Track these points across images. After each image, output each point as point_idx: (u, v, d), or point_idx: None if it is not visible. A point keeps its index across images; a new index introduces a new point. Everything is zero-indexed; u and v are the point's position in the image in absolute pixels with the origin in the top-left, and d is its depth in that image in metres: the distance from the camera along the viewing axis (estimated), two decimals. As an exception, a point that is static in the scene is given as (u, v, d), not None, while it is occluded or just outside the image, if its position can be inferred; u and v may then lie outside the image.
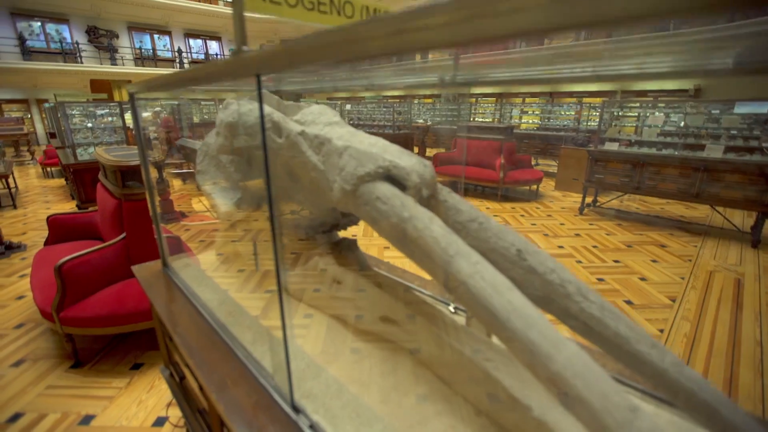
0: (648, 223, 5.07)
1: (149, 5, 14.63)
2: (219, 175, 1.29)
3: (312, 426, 0.74)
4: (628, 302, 3.00)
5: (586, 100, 10.11)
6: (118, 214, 2.49)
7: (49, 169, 8.74)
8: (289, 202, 1.13)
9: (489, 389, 0.74)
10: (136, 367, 2.29)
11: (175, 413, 1.94)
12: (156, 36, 16.11)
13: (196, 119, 12.06)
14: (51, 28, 13.75)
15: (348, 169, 0.80)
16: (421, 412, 0.78)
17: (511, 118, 10.84)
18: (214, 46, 17.83)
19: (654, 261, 3.82)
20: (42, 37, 13.54)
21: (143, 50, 15.69)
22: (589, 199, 5.63)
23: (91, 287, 2.31)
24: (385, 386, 0.85)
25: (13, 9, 12.85)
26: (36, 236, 4.56)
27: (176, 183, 6.26)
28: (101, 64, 14.41)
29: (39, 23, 13.46)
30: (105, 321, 2.21)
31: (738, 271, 3.57)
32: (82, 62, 13.98)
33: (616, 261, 3.82)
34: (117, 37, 15.02)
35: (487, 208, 5.85)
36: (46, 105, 12.02)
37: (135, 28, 15.48)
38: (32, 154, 11.35)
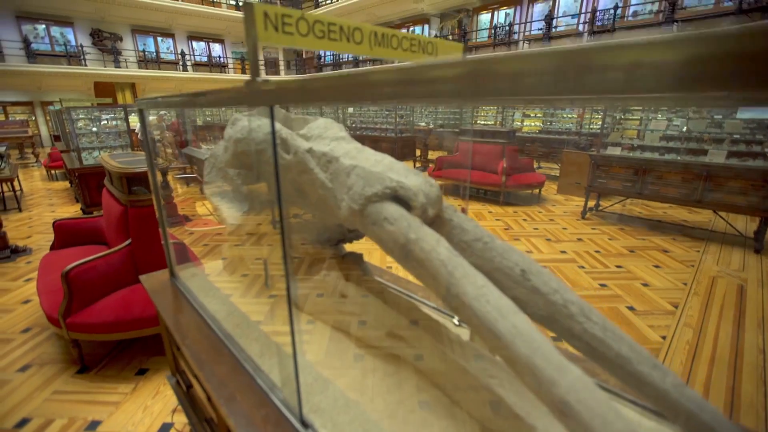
0: (650, 228, 5.07)
1: (153, 8, 14.73)
2: (227, 188, 1.31)
3: (320, 441, 0.75)
4: (631, 308, 3.01)
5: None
6: (123, 220, 2.52)
7: (53, 171, 8.80)
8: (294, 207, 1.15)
9: (494, 406, 0.76)
10: (142, 372, 2.31)
11: (180, 419, 1.95)
12: (159, 39, 16.21)
13: (199, 121, 12.13)
14: (56, 31, 13.86)
15: (356, 188, 0.81)
16: (427, 427, 0.80)
17: (513, 121, 10.86)
18: (217, 49, 17.92)
19: (656, 266, 3.83)
20: (47, 40, 13.65)
21: (147, 53, 15.79)
22: (591, 203, 5.63)
23: (97, 293, 2.34)
24: (391, 401, 0.86)
25: (18, 12, 12.97)
26: (41, 240, 4.59)
27: (179, 187, 6.29)
28: (105, 66, 14.51)
29: (44, 26, 13.57)
30: (111, 327, 2.23)
31: (741, 277, 3.57)
32: (86, 65, 14.08)
33: (618, 266, 3.83)
34: (121, 39, 15.12)
35: (490, 212, 5.86)
36: (50, 108, 12.12)
37: (139, 30, 15.59)
38: (36, 156, 11.43)
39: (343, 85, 0.42)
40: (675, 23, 7.78)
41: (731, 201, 4.38)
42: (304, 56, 20.08)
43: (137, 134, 7.68)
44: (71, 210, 6.01)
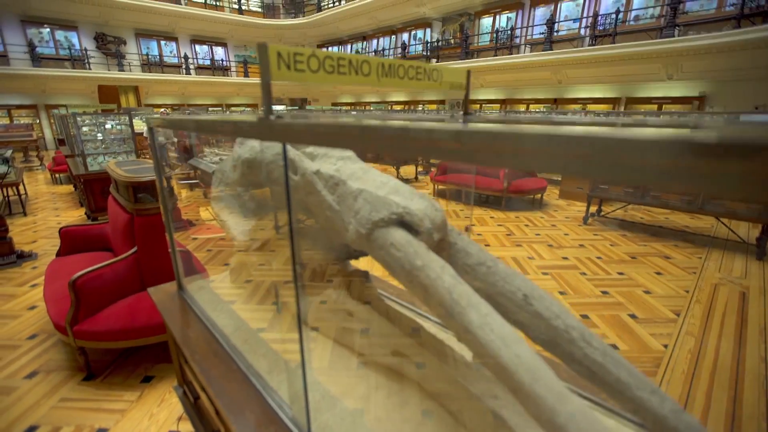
0: (652, 234, 5.08)
1: (156, 12, 14.83)
2: (234, 203, 1.34)
3: (328, 459, 0.78)
4: (632, 316, 3.02)
5: (590, 107, 10.13)
6: (129, 228, 2.55)
7: (57, 175, 8.86)
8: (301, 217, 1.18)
9: (497, 426, 0.78)
10: (147, 380, 2.34)
11: (186, 428, 1.98)
12: (163, 42, 16.29)
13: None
14: (60, 34, 13.96)
15: (363, 213, 0.84)
16: (431, 446, 0.82)
17: (515, 124, 10.84)
18: (219, 52, 18.01)
19: (658, 273, 3.84)
20: (51, 44, 13.75)
21: (150, 56, 15.87)
22: (593, 209, 5.64)
23: (104, 301, 2.37)
24: (396, 419, 0.89)
25: (23, 16, 13.08)
26: (47, 244, 4.63)
27: (183, 192, 6.33)
28: (109, 70, 14.60)
29: (48, 30, 13.67)
30: (117, 335, 2.26)
31: (743, 284, 3.58)
32: (90, 68, 14.17)
33: (620, 273, 3.84)
34: (125, 43, 15.21)
35: (492, 217, 5.88)
36: (54, 112, 12.19)
37: (142, 34, 15.68)
38: (41, 159, 11.50)
39: (350, 134, 0.45)
40: (676, 27, 7.78)
41: (734, 207, 4.39)
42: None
43: (145, 137, 7.73)
44: (75, 214, 6.06)
